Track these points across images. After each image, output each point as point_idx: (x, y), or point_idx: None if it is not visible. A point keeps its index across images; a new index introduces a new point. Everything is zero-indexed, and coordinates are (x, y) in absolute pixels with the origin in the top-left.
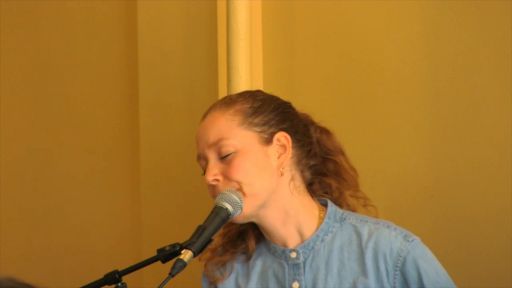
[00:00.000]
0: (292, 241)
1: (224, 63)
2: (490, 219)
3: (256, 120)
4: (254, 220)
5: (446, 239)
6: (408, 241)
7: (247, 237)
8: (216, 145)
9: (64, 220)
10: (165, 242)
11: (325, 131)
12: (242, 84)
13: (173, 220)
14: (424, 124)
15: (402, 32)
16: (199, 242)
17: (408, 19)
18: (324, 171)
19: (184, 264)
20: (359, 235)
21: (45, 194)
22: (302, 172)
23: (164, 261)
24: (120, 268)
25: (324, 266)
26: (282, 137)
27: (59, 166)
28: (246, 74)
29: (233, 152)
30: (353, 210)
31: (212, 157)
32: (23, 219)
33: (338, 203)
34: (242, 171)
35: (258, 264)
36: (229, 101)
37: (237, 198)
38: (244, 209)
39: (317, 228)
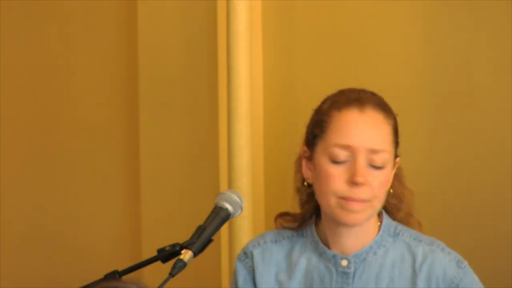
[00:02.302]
0: (344, 248)
1: (224, 63)
2: (490, 218)
3: (397, 140)
4: (328, 219)
5: (446, 238)
6: (460, 267)
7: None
8: (375, 153)
9: (64, 220)
10: (165, 242)
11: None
12: (242, 84)
13: (173, 220)
14: (424, 124)
15: (402, 32)
16: (199, 242)
17: (408, 19)
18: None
19: (184, 264)
20: (412, 255)
21: (45, 194)
22: None
23: (164, 261)
24: (120, 268)
25: (374, 280)
26: (397, 163)
27: (58, 166)
28: (246, 74)
29: (384, 167)
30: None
31: (362, 158)
32: (23, 219)
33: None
34: (383, 189)
35: (302, 262)
36: (385, 107)
37: (237, 198)
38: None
39: (371, 239)
